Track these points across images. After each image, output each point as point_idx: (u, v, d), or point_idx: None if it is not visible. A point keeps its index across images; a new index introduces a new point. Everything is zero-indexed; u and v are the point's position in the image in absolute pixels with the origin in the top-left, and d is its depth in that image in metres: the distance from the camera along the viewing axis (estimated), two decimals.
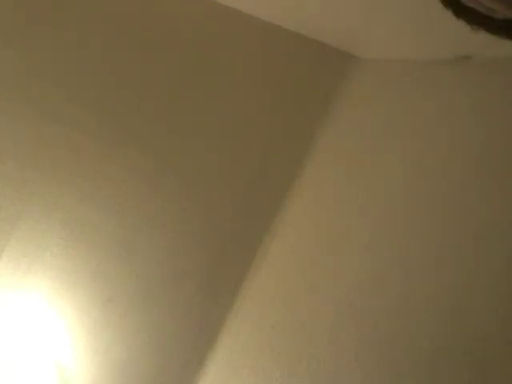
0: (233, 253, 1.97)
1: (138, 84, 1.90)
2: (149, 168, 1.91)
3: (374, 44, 1.82)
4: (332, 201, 1.82)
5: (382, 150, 1.71)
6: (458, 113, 1.51)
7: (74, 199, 1.86)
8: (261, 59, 1.98)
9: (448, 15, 0.79)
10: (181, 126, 1.94)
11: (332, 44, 1.93)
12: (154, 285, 1.92)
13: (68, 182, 1.86)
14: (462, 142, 1.45)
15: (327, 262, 1.69)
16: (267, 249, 1.93)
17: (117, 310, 1.90)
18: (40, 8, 1.84)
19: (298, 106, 1.99)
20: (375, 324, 1.41)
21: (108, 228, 1.89)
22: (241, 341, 1.84)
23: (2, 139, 1.82)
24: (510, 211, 1.24)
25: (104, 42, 1.88)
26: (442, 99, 1.58)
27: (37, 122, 1.83)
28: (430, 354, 1.23)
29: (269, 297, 1.85)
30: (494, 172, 1.32)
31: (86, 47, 1.87)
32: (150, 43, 1.91)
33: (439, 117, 1.57)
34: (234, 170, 1.97)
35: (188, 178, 1.94)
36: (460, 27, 0.78)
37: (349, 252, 1.63)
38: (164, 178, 1.92)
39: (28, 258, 1.84)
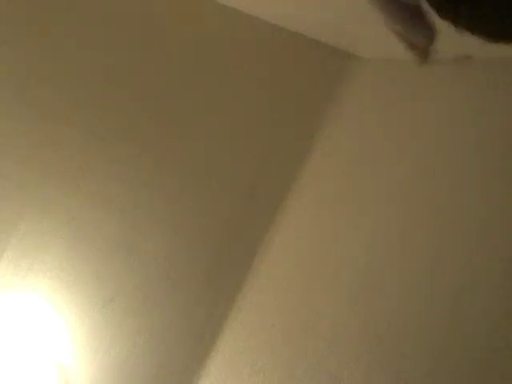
0: (233, 252, 1.97)
1: (139, 84, 1.90)
2: (149, 168, 1.91)
3: (374, 43, 1.82)
4: (332, 201, 1.82)
5: (381, 149, 1.71)
6: (458, 112, 1.51)
7: (75, 199, 1.86)
8: (261, 59, 1.98)
9: None
10: (181, 125, 1.94)
11: (332, 43, 1.93)
12: (155, 285, 1.92)
13: (68, 181, 1.86)
14: (462, 141, 1.45)
15: (327, 261, 1.69)
16: (268, 248, 1.93)
17: (117, 310, 1.90)
18: (40, 8, 1.84)
19: (298, 105, 1.99)
20: (376, 324, 1.41)
21: (108, 228, 1.89)
22: (241, 341, 1.84)
23: (2, 139, 1.82)
24: (510, 211, 1.24)
25: (104, 42, 1.88)
26: (442, 99, 1.59)
27: (37, 122, 1.83)
28: (430, 353, 1.23)
29: (269, 296, 1.85)
30: (494, 171, 1.32)
31: (86, 47, 1.87)
32: (149, 43, 1.90)
33: (439, 116, 1.57)
34: (234, 170, 1.97)
35: (188, 177, 1.94)
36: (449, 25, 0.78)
37: (349, 252, 1.63)
38: (164, 178, 1.92)
39: (29, 258, 1.84)
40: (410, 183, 1.55)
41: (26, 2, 1.84)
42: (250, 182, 1.98)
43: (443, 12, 0.67)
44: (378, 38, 1.74)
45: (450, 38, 1.38)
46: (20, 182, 1.84)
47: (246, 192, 1.97)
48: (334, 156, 1.90)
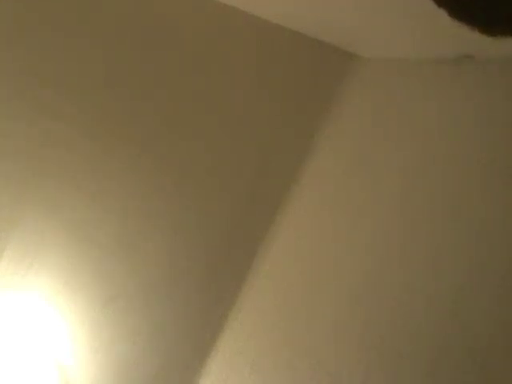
0: (233, 252, 1.96)
1: (138, 84, 1.90)
2: (149, 167, 1.91)
3: (374, 43, 1.82)
4: (332, 201, 1.82)
5: (382, 149, 1.71)
6: (458, 112, 1.51)
7: (75, 199, 1.86)
8: (261, 58, 1.97)
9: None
10: (181, 125, 1.94)
11: (332, 43, 1.93)
12: (155, 284, 1.92)
13: (69, 181, 1.86)
14: (463, 141, 1.45)
15: (327, 261, 1.69)
16: (268, 248, 1.93)
17: (117, 310, 1.90)
18: (40, 8, 1.84)
19: (298, 105, 1.99)
20: (376, 324, 1.41)
21: (109, 227, 1.89)
22: (241, 341, 1.84)
23: (2, 139, 1.82)
24: (510, 211, 1.24)
25: (104, 41, 1.88)
26: (442, 98, 1.58)
27: (37, 121, 1.83)
28: (430, 354, 1.23)
29: (269, 296, 1.85)
30: (495, 172, 1.32)
31: (86, 47, 1.87)
32: (149, 43, 1.90)
33: (440, 116, 1.57)
34: (234, 170, 1.97)
35: (188, 177, 1.94)
36: (461, 26, 0.78)
37: (349, 252, 1.63)
38: (165, 178, 1.92)
39: (28, 258, 1.84)
40: (410, 183, 1.55)
41: (26, 1, 1.84)
42: (250, 181, 1.98)
43: (454, 10, 0.67)
44: (378, 38, 1.74)
45: (450, 38, 1.38)
46: (20, 182, 1.84)
47: (246, 192, 1.97)
48: (334, 156, 1.90)
